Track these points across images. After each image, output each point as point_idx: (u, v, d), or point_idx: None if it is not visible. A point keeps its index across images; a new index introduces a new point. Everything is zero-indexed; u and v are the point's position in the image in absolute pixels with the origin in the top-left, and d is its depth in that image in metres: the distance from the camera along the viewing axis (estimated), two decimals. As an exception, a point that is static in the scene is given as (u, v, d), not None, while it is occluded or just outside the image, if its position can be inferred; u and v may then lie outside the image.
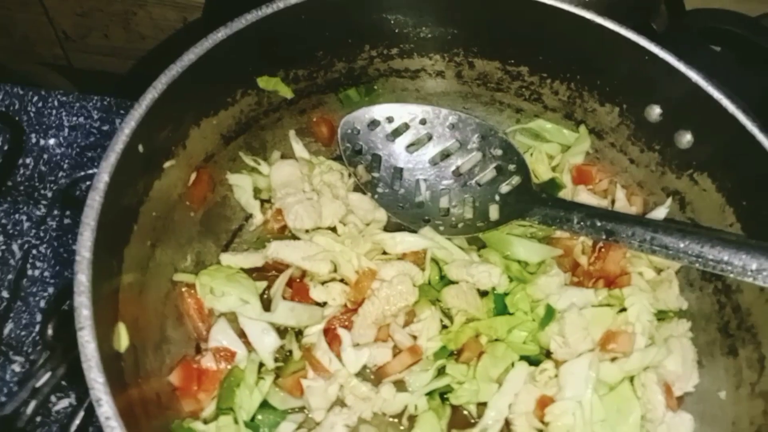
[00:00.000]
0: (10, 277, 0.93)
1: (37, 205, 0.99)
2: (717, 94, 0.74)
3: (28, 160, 1.03)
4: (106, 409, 0.47)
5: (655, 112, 0.81)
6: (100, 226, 0.56)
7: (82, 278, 0.52)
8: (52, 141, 1.05)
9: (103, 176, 0.57)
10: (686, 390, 0.81)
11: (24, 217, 0.98)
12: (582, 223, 0.81)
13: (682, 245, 0.72)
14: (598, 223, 0.79)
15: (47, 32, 1.18)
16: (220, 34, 0.67)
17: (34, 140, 1.05)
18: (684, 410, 0.80)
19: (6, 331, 0.90)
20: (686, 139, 0.80)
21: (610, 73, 0.82)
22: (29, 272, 0.95)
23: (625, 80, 0.82)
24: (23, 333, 0.90)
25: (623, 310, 0.82)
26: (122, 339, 0.61)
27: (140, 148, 0.63)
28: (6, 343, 0.89)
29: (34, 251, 0.96)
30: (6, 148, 1.03)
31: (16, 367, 0.88)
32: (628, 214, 0.85)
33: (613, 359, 0.80)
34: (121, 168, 0.59)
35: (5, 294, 0.92)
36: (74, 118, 1.07)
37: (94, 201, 0.55)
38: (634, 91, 0.82)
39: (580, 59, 0.83)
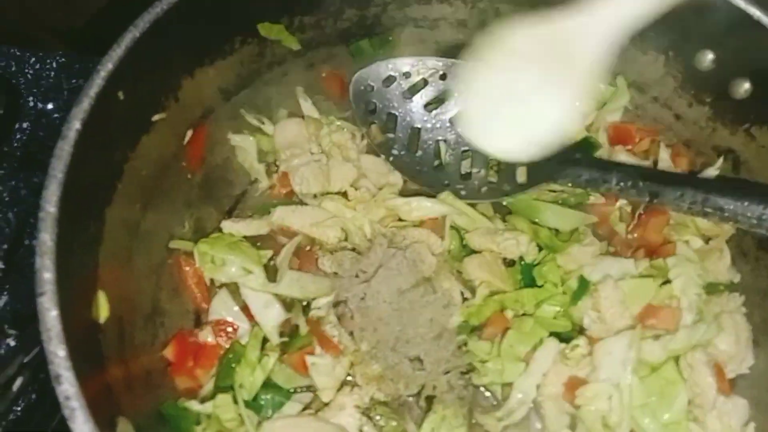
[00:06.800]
0: (5, 246, 0.88)
1: (35, 172, 0.94)
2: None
3: (25, 125, 0.97)
4: (66, 387, 0.41)
5: (707, 58, 0.72)
6: (71, 181, 0.49)
7: (45, 237, 0.45)
8: (50, 105, 0.99)
9: (74, 124, 0.50)
10: (740, 372, 0.74)
11: (21, 185, 0.93)
12: (622, 184, 0.72)
13: (740, 206, 0.62)
14: (641, 184, 0.71)
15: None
16: (212, -33, 0.60)
17: (31, 104, 0.99)
18: (738, 395, 0.72)
19: (1, 303, 0.85)
20: (743, 88, 0.71)
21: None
22: (26, 242, 0.89)
23: (672, 23, 0.72)
24: (20, 306, 0.85)
25: (666, 282, 0.74)
26: (102, 308, 0.55)
27: (120, 95, 0.56)
28: (0, 316, 0.84)
29: (31, 220, 0.91)
30: (2, 112, 0.97)
31: (11, 342, 0.83)
32: (676, 173, 0.77)
33: (656, 337, 0.71)
34: (97, 116, 0.52)
35: (0, 265, 0.87)
36: (74, 81, 1.01)
37: (63, 151, 0.49)
38: (683, 35, 0.72)
39: None
